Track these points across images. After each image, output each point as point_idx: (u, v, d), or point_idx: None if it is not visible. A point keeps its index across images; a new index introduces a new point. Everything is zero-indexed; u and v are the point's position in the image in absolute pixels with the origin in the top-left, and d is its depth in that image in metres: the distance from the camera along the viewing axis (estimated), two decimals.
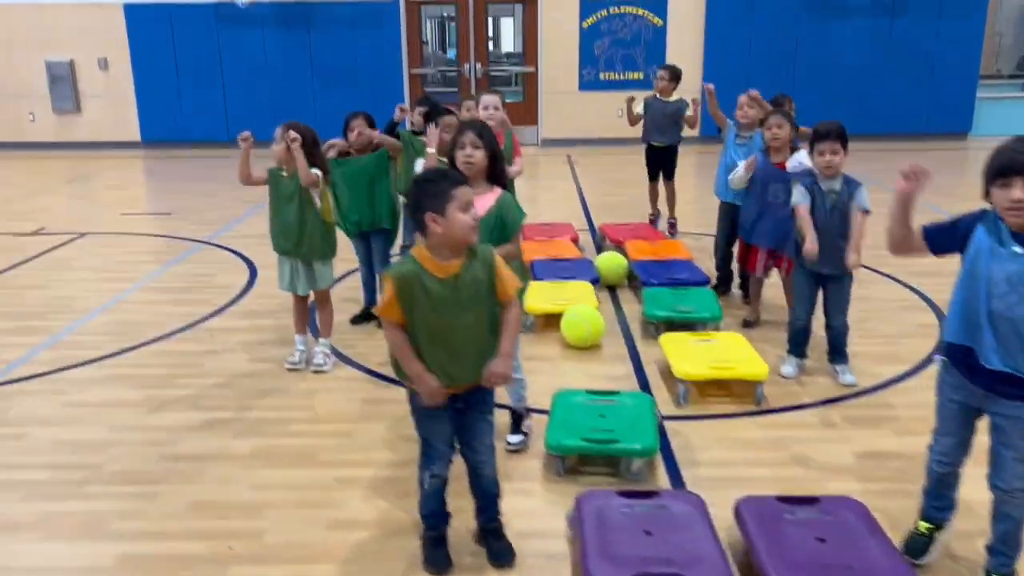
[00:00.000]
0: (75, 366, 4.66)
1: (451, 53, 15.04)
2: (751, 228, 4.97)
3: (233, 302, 5.74)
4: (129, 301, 5.83)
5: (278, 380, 4.46)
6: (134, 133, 13.51)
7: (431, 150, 4.18)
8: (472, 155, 3.11)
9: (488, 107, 4.89)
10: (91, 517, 3.21)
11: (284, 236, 4.41)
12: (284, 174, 4.35)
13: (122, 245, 7.47)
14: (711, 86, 5.97)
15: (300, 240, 4.38)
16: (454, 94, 13.10)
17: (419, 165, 4.24)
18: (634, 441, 3.33)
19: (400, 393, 4.35)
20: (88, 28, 13.05)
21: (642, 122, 7.15)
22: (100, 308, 5.65)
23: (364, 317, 5.26)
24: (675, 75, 7.08)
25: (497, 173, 3.21)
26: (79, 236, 7.69)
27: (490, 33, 14.06)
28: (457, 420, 2.73)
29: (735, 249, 5.49)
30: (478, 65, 13.22)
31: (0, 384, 4.43)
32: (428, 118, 5.15)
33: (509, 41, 15.45)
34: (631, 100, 7.21)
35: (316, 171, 4.28)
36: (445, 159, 4.26)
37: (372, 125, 4.91)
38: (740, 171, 4.93)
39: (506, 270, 2.62)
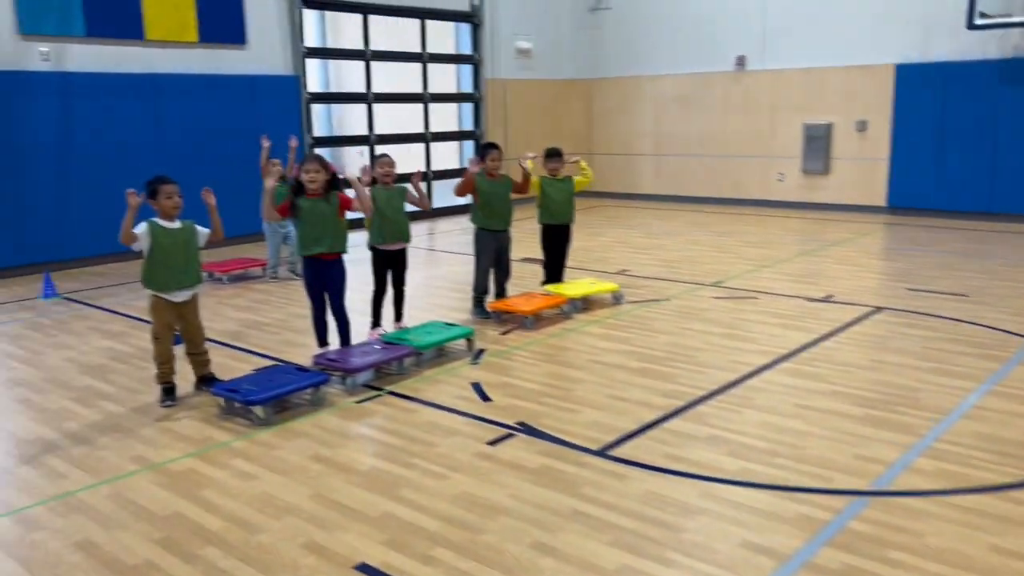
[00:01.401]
0: (971, 491, 3.81)
1: None
2: None
3: None
4: (985, 408, 4.83)
5: None
6: (880, 198, 12.89)
7: None
8: None
9: None
10: None
11: None
12: None
13: (926, 327, 6.59)
14: None
15: None
16: None
17: None
18: None
19: None
20: (853, 90, 12.89)
21: None
22: (956, 411, 4.78)
23: None
24: None
25: None
26: (873, 310, 7.10)
27: None
28: None
29: None
30: None
31: (890, 494, 3.82)
32: None
33: None
34: None
35: None
36: None
37: None
38: None
39: None
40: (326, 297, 5.82)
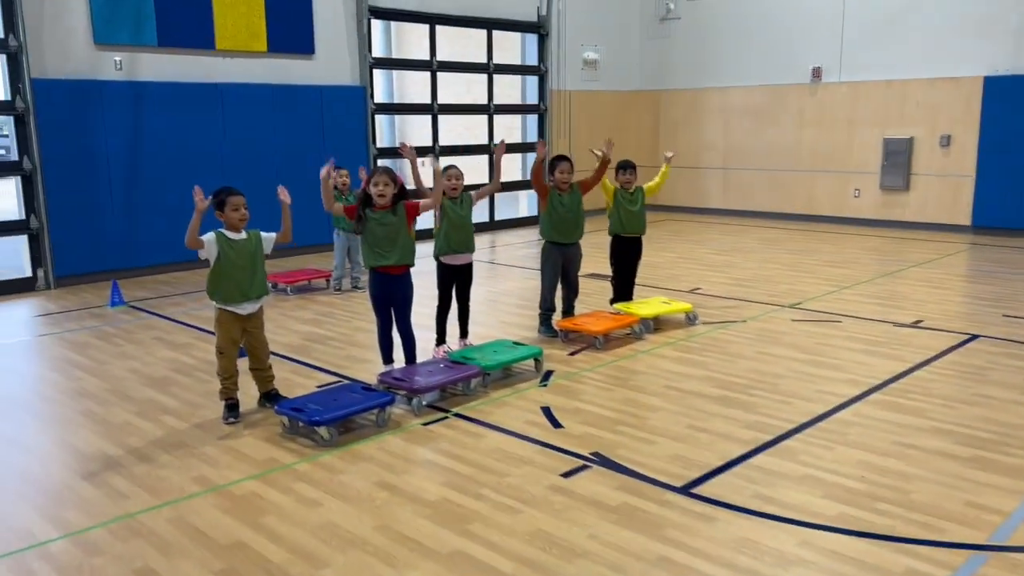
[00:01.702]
0: None
1: None
2: None
3: None
4: None
5: None
6: (964, 217, 12.27)
7: None
8: None
9: None
10: None
11: None
12: None
13: None
14: None
15: None
16: None
17: None
18: None
19: None
20: (937, 104, 12.31)
21: None
22: None
23: None
24: None
25: None
26: (968, 338, 6.64)
27: None
28: None
29: None
30: None
31: (1013, 549, 3.44)
32: None
33: None
34: None
35: None
36: None
37: None
38: None
39: None
40: (392, 312, 5.65)
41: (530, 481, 4.11)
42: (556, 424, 4.88)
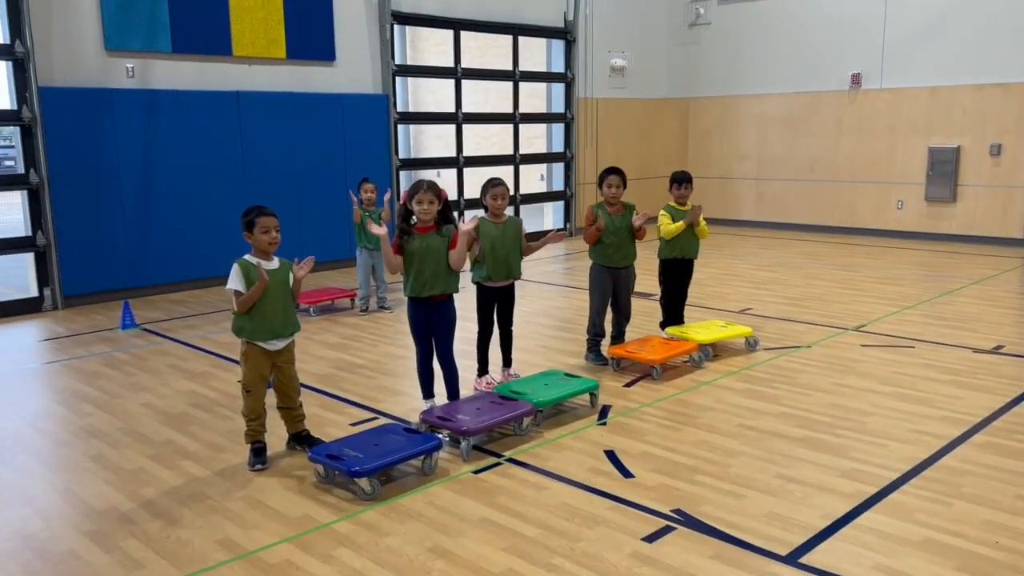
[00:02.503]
0: None
1: None
2: None
3: None
4: None
5: None
6: (1016, 229, 11.65)
7: None
8: None
9: None
10: None
11: None
12: None
13: None
14: None
15: None
16: None
17: None
18: None
19: None
20: (987, 111, 11.72)
21: None
22: None
23: None
24: None
25: None
26: None
27: None
28: None
29: None
30: None
31: None
32: None
33: None
34: None
35: None
36: None
37: None
38: None
39: None
40: (432, 341, 5.10)
41: (608, 546, 3.54)
42: (625, 472, 4.31)
